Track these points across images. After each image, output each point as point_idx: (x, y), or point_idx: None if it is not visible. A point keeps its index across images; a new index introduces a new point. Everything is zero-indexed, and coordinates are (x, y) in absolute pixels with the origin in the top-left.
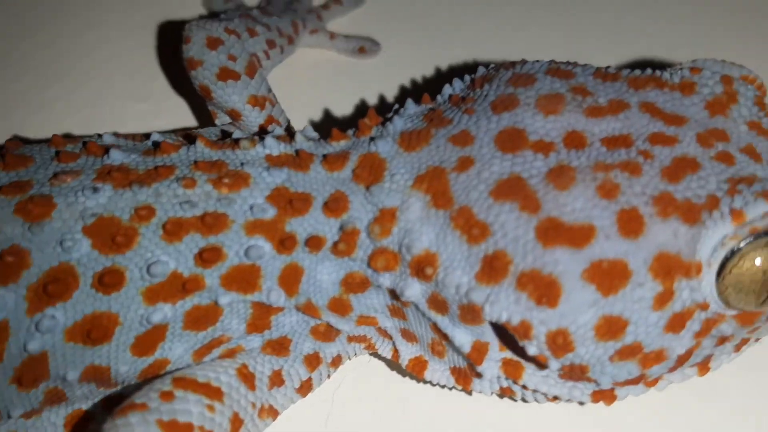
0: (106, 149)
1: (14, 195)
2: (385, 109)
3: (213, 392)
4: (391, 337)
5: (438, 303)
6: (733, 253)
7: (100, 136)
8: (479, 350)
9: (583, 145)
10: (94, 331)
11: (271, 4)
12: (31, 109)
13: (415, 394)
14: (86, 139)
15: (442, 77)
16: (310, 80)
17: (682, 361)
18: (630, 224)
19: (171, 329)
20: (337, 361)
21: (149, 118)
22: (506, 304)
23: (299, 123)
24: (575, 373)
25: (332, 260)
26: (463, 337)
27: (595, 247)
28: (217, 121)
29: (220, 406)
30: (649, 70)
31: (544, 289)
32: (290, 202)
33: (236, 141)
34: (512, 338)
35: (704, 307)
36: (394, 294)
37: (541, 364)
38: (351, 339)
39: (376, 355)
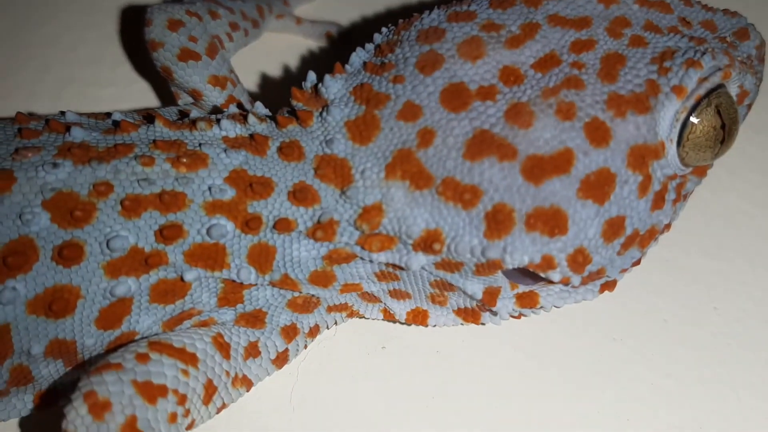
0: (68, 127)
1: None
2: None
3: (188, 357)
4: (377, 300)
5: (449, 265)
6: (685, 123)
7: (63, 114)
8: (492, 294)
9: (520, 78)
10: (56, 303)
11: None
12: None
13: (381, 368)
14: (49, 116)
15: None
16: (276, 65)
17: (665, 228)
18: (598, 134)
19: (137, 302)
20: (314, 331)
21: (114, 104)
22: (523, 248)
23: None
24: (591, 278)
25: (309, 240)
26: (475, 286)
27: (578, 167)
28: (179, 102)
29: (194, 371)
30: None
31: (552, 221)
32: (250, 186)
33: (193, 122)
34: (523, 273)
35: (674, 177)
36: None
37: (553, 283)
38: (331, 309)
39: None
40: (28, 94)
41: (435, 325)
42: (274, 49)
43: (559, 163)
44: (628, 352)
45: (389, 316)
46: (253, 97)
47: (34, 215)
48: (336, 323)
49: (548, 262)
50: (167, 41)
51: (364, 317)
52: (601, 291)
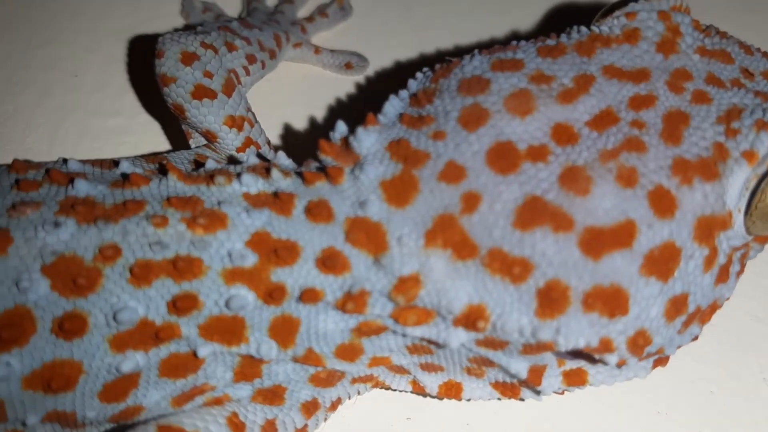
0: (71, 178)
1: None
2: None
3: None
4: (407, 372)
5: (493, 343)
6: (755, 191)
7: (65, 162)
8: (537, 372)
9: (574, 137)
10: (55, 379)
11: (251, 16)
12: None
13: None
14: (50, 165)
15: None
16: (292, 97)
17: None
18: (662, 203)
19: (145, 377)
20: (336, 405)
21: (117, 135)
22: (579, 330)
23: (279, 143)
24: (647, 357)
25: (337, 312)
26: (520, 365)
27: (641, 241)
28: (191, 142)
29: None
30: (584, 29)
31: (612, 302)
32: (275, 251)
33: (211, 175)
34: (573, 351)
35: (739, 248)
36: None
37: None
38: (355, 380)
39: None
40: (25, 121)
41: (470, 399)
42: (290, 81)
43: (621, 236)
44: (674, 427)
45: (419, 389)
46: (270, 136)
47: (32, 282)
48: (359, 393)
49: (606, 346)
50: (180, 76)
51: (389, 388)
52: (653, 367)
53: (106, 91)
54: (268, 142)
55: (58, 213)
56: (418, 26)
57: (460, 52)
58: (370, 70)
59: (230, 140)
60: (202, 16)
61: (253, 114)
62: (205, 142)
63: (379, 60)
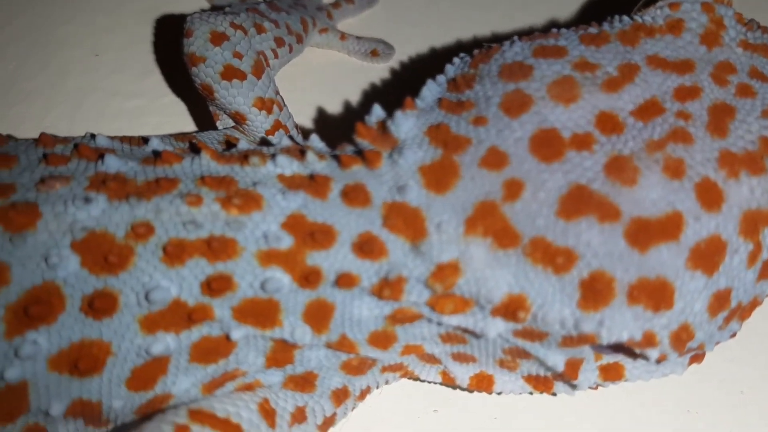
0: (101, 154)
1: None
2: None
3: (233, 429)
4: (438, 362)
5: (531, 334)
6: None
7: (93, 137)
8: (574, 366)
9: (619, 126)
10: (83, 360)
11: None
12: (9, 101)
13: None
14: (78, 141)
15: None
16: (319, 82)
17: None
18: (710, 196)
19: (174, 361)
20: (364, 393)
21: (139, 116)
22: (623, 323)
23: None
24: (687, 352)
25: (373, 298)
26: (557, 357)
27: (688, 233)
28: (218, 123)
29: None
30: (626, 18)
31: (658, 295)
32: (311, 234)
33: (245, 155)
34: (613, 345)
35: None
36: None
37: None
38: (385, 369)
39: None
40: (44, 101)
41: (500, 393)
42: (315, 66)
43: (668, 228)
44: (703, 427)
45: (448, 380)
46: (298, 120)
47: (61, 258)
48: (387, 382)
49: (649, 340)
50: (209, 56)
51: (418, 379)
52: (689, 363)
53: (128, 72)
54: (296, 126)
55: (88, 188)
56: (444, 15)
57: (492, 41)
58: (396, 59)
59: (259, 122)
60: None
61: (282, 97)
62: (232, 123)
63: (406, 48)
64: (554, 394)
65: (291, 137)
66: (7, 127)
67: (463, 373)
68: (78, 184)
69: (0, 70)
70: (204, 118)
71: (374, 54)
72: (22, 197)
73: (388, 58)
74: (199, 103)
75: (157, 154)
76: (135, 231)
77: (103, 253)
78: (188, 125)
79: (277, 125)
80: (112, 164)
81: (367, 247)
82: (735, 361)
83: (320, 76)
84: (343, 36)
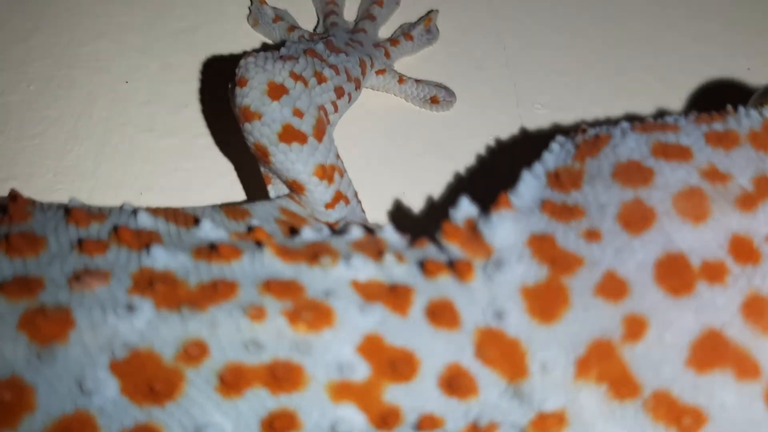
0: (145, 242)
1: (18, 297)
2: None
3: None
4: None
5: None
6: None
7: (134, 213)
8: None
9: (754, 255)
10: None
11: (333, 35)
12: (28, 131)
13: None
14: (115, 218)
15: (528, 139)
16: (373, 131)
17: None
18: None
19: None
20: None
21: (173, 159)
22: None
23: (361, 192)
24: None
25: None
26: None
27: None
28: (270, 188)
29: None
30: (753, 113)
31: None
32: (392, 364)
33: (314, 253)
34: None
35: None
36: None
37: None
38: None
39: None
40: (66, 133)
41: None
42: (369, 111)
43: None
44: None
45: None
46: (353, 177)
47: (98, 382)
48: None
49: None
50: (266, 112)
51: None
52: None
53: (161, 103)
54: (356, 194)
55: (132, 290)
56: (511, 58)
57: (574, 95)
58: (457, 107)
59: (320, 194)
60: (286, 34)
61: (342, 161)
62: (286, 190)
63: (467, 94)
64: None
65: (364, 225)
66: (25, 162)
67: None
68: (119, 283)
69: (18, 92)
70: (249, 173)
71: (434, 101)
72: (52, 298)
73: (449, 106)
74: (244, 155)
75: (212, 246)
76: (187, 351)
77: (147, 379)
78: (227, 173)
79: (338, 196)
80: (159, 258)
81: (454, 381)
82: None
83: (375, 124)
84: (401, 79)
